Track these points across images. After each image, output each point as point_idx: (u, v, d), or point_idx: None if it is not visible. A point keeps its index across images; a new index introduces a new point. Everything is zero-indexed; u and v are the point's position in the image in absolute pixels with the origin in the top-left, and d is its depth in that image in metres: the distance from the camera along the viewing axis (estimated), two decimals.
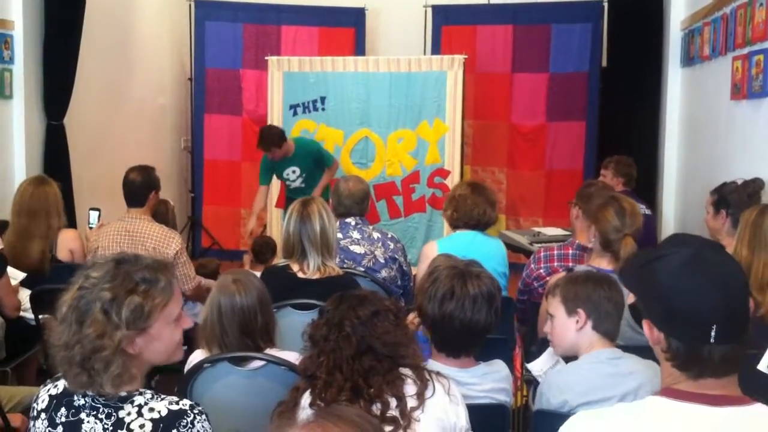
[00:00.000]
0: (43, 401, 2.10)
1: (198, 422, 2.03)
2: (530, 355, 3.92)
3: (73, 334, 1.99)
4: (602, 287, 2.73)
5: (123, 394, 2.03)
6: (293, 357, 2.75)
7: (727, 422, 1.57)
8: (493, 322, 2.62)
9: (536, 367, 3.05)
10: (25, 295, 4.28)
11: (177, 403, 2.04)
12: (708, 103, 5.91)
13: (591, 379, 2.59)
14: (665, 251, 1.66)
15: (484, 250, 4.13)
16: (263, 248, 5.91)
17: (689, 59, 6.43)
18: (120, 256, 2.09)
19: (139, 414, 2.01)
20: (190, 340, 4.59)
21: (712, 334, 1.56)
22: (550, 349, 3.02)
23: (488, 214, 4.20)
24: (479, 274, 2.66)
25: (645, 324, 1.70)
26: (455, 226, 4.27)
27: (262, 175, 6.95)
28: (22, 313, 4.23)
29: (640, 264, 1.72)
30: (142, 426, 1.99)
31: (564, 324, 2.77)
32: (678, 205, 6.76)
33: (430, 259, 4.09)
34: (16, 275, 4.31)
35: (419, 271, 4.22)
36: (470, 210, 4.18)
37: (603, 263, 3.51)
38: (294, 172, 6.75)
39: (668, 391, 1.64)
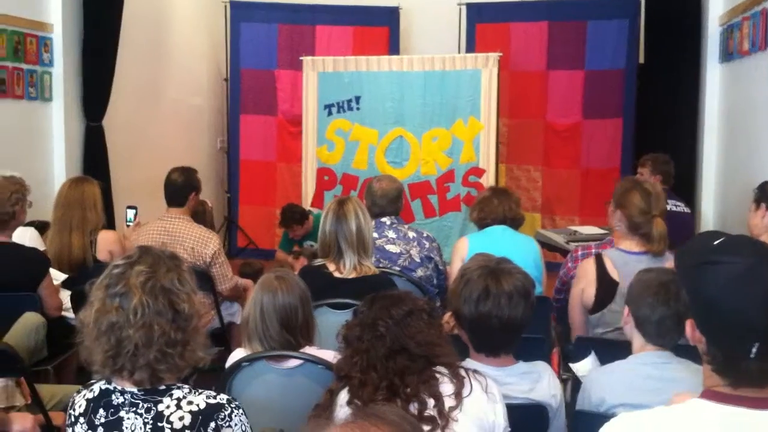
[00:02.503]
0: (80, 406, 2.12)
1: (235, 416, 2.06)
2: (567, 354, 3.90)
3: (169, 322, 2.05)
4: (654, 293, 2.64)
5: (162, 387, 2.06)
6: (330, 356, 2.76)
7: None
8: (529, 317, 2.61)
9: (581, 368, 3.03)
10: (65, 295, 4.34)
11: (215, 397, 2.08)
12: (747, 99, 5.82)
13: (631, 380, 2.56)
14: (721, 258, 1.61)
15: (516, 244, 4.13)
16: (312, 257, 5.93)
17: (728, 55, 6.34)
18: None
19: (178, 407, 2.04)
20: (223, 340, 4.67)
21: (753, 350, 1.54)
22: (593, 354, 3.00)
23: (514, 210, 4.27)
24: (511, 270, 2.65)
25: (688, 323, 1.69)
26: (484, 225, 4.29)
27: (284, 243, 7.00)
28: (63, 313, 4.29)
29: (694, 263, 1.68)
30: (181, 418, 2.01)
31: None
32: (717, 203, 6.66)
33: (461, 255, 4.12)
34: (57, 276, 4.38)
35: (452, 267, 4.22)
36: (496, 207, 4.24)
37: (632, 246, 3.54)
38: (312, 245, 6.77)
39: (709, 394, 1.62)
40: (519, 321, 2.57)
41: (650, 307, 2.64)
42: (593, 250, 4.00)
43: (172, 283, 2.07)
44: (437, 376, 2.28)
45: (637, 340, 2.70)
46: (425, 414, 2.18)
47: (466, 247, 4.19)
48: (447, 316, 3.09)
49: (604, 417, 2.40)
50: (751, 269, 1.57)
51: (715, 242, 1.66)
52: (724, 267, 1.60)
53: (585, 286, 3.59)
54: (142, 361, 2.02)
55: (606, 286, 3.51)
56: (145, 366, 2.02)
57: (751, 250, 1.63)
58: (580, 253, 4.05)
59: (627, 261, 3.47)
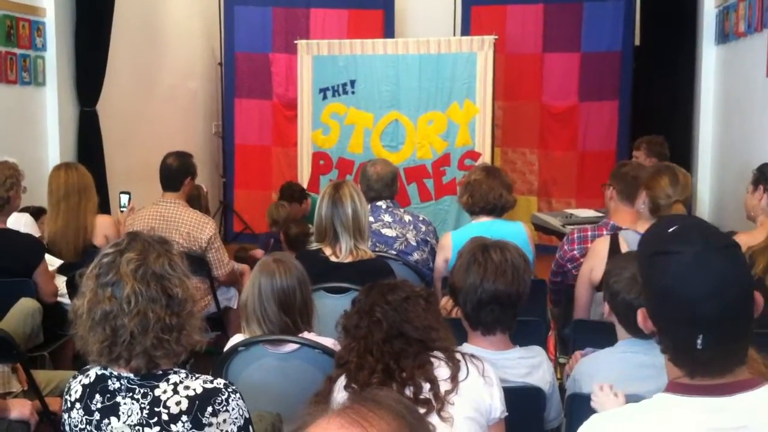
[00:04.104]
0: (76, 392, 2.11)
1: (232, 400, 2.06)
2: (564, 338, 3.91)
3: (163, 307, 2.04)
4: (633, 290, 2.56)
5: (159, 372, 2.06)
6: (329, 343, 2.77)
7: (739, 410, 1.54)
8: (521, 292, 2.61)
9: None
10: (61, 281, 4.34)
11: (211, 381, 2.07)
12: (743, 81, 5.81)
13: (623, 369, 2.51)
14: (671, 247, 1.59)
15: (501, 236, 4.06)
16: (294, 238, 5.91)
17: (724, 36, 6.32)
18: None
19: (175, 392, 2.03)
20: (221, 324, 4.68)
21: (698, 342, 1.54)
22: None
23: (504, 198, 4.12)
24: (504, 245, 2.68)
25: (640, 312, 1.69)
26: (472, 212, 4.20)
27: None
28: (59, 299, 4.29)
29: (648, 253, 1.67)
30: (178, 403, 2.01)
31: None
32: (713, 185, 6.67)
33: (446, 250, 4.07)
34: (53, 262, 4.37)
35: (437, 262, 4.17)
36: (486, 194, 4.10)
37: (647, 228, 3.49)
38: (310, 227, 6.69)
39: (674, 386, 1.62)
40: (508, 292, 2.57)
41: (634, 309, 2.58)
42: (590, 233, 4.01)
43: (163, 268, 2.06)
44: (433, 360, 2.29)
45: (620, 330, 2.67)
46: (420, 397, 2.19)
47: (450, 245, 4.08)
48: (444, 300, 3.09)
49: None
50: (696, 258, 1.55)
51: (669, 230, 1.64)
52: (673, 257, 1.58)
53: (595, 264, 3.57)
54: (138, 349, 2.01)
55: None
56: (141, 353, 2.02)
57: (698, 237, 1.59)
58: (576, 235, 4.05)
59: None
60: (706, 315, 1.53)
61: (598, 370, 2.58)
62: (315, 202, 6.66)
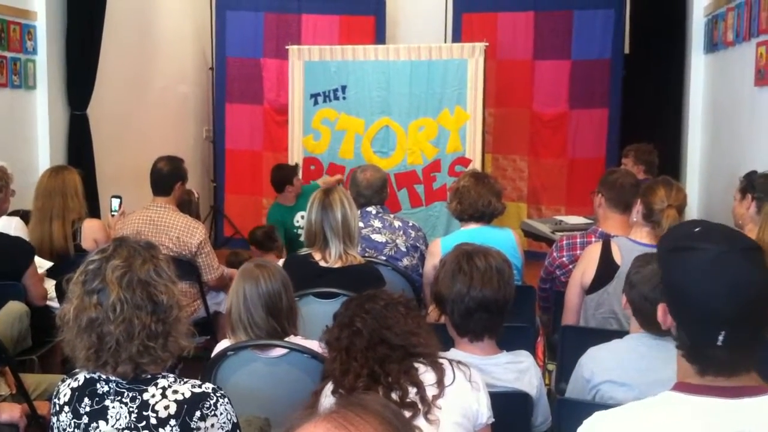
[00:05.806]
0: (64, 395, 2.12)
1: (221, 405, 2.06)
2: (552, 344, 3.92)
3: (149, 314, 2.04)
4: (653, 286, 2.55)
5: (147, 376, 2.07)
6: (316, 346, 2.77)
7: (743, 414, 1.55)
8: (507, 297, 2.62)
9: None
10: (50, 284, 4.33)
11: (200, 386, 2.08)
12: (732, 90, 5.84)
13: (621, 357, 2.55)
14: (694, 244, 1.61)
15: (490, 243, 4.08)
16: (264, 238, 5.89)
17: (713, 45, 6.36)
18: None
19: (164, 396, 2.04)
20: (210, 329, 4.67)
21: (720, 338, 1.55)
22: None
23: (493, 205, 4.12)
24: (487, 251, 2.69)
25: (660, 307, 1.70)
26: (461, 218, 4.21)
27: (274, 216, 6.71)
28: (48, 302, 4.28)
29: (670, 248, 1.69)
30: (166, 407, 2.02)
31: None
32: (702, 193, 6.70)
33: (435, 257, 4.06)
34: (42, 264, 4.36)
35: (426, 268, 4.18)
36: (474, 201, 4.10)
37: (643, 236, 3.54)
38: (303, 217, 6.50)
39: (681, 386, 1.62)
40: (496, 299, 2.59)
41: (649, 302, 2.57)
42: (578, 240, 4.03)
43: (149, 275, 2.06)
44: (418, 366, 2.29)
45: (633, 322, 2.70)
46: (407, 400, 2.19)
47: (440, 251, 4.03)
48: (431, 308, 3.10)
49: (588, 405, 2.43)
50: (719, 257, 1.57)
51: (695, 229, 1.66)
52: (695, 253, 1.60)
53: (587, 268, 3.60)
54: (124, 356, 2.02)
55: (606, 268, 3.53)
56: (127, 359, 2.03)
57: (724, 238, 1.61)
58: (565, 242, 4.07)
59: (633, 249, 3.44)
60: (724, 313, 1.55)
61: (603, 356, 2.62)
62: (314, 188, 6.61)
